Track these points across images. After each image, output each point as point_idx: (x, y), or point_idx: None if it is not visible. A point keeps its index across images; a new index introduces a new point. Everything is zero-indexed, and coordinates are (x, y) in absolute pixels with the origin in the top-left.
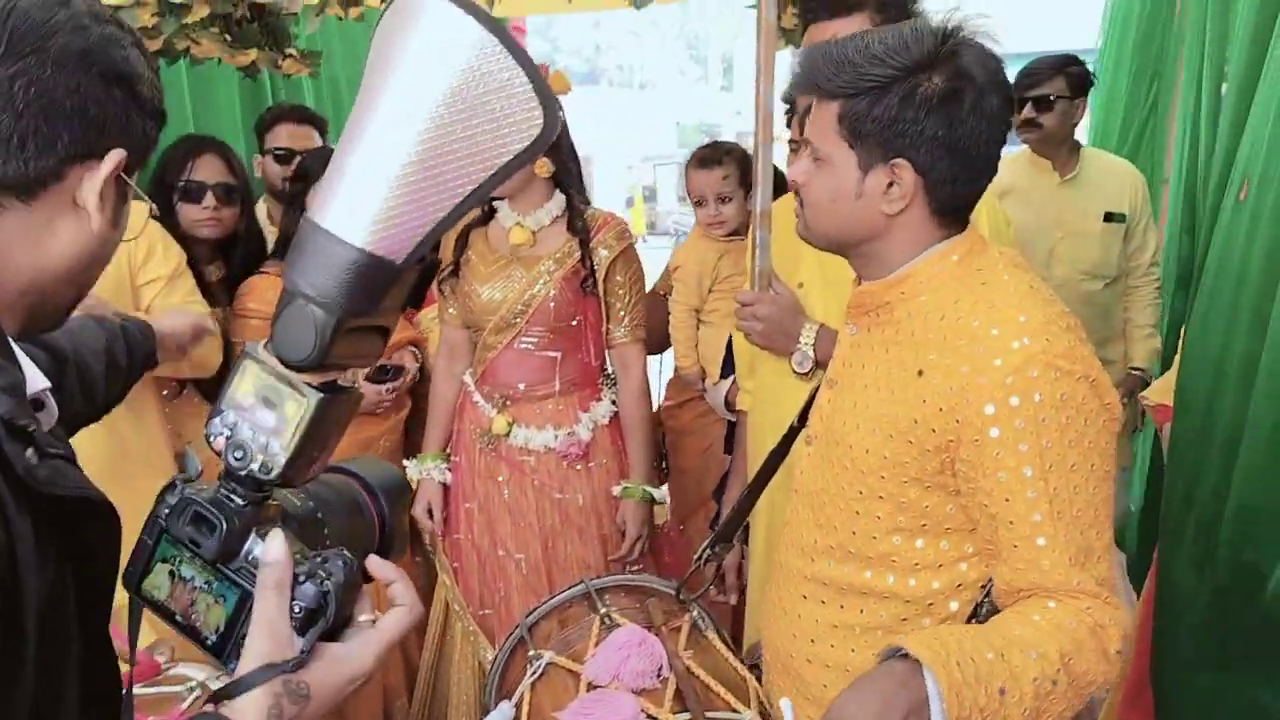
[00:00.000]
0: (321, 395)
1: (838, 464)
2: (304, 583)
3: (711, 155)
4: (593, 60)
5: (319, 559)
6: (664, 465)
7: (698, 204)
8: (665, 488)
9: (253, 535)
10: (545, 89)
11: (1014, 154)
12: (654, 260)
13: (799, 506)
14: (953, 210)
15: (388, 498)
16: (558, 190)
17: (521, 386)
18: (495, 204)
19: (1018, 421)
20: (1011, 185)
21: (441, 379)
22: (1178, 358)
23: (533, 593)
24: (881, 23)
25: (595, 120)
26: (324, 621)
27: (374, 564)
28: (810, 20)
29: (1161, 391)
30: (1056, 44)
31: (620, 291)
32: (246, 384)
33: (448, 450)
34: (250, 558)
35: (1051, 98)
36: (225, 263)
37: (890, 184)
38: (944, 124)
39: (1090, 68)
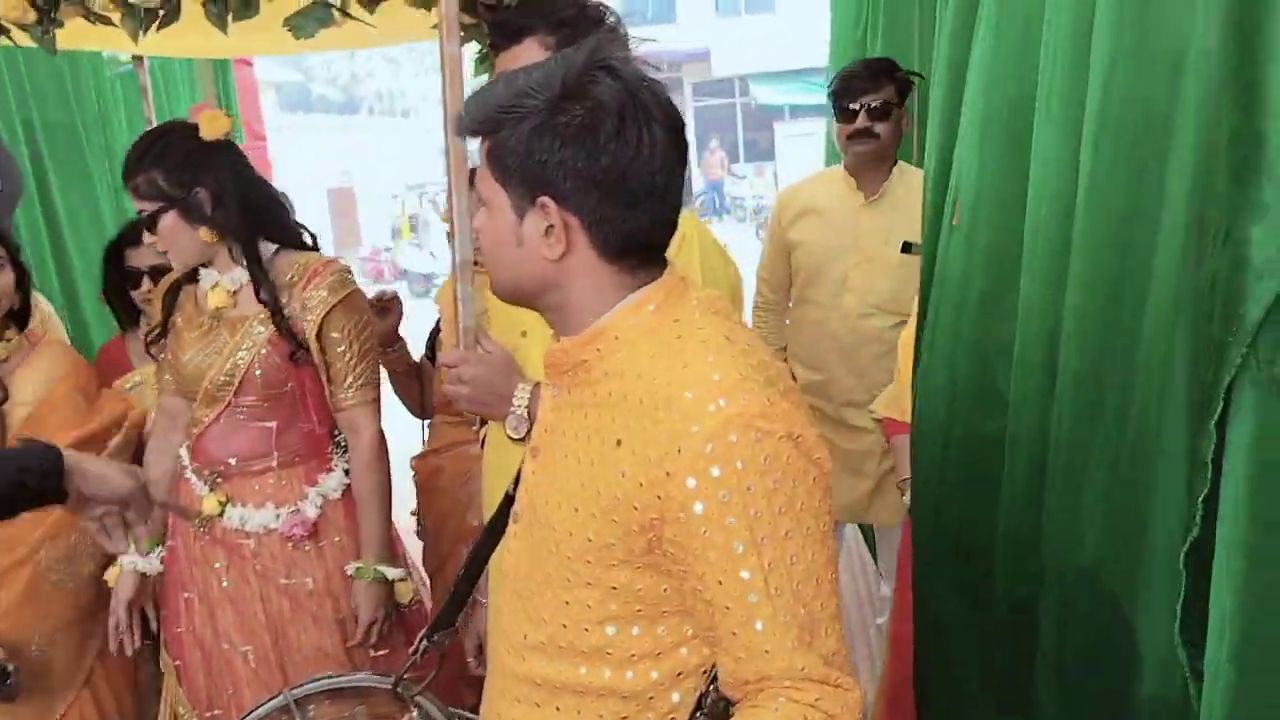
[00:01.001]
0: None
1: (543, 547)
2: None
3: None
4: (350, 89)
5: None
6: (418, 528)
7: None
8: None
9: None
10: None
11: (826, 171)
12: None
13: (507, 595)
14: (629, 251)
15: None
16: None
17: (233, 461)
18: None
19: (721, 493)
20: (814, 204)
21: (154, 453)
22: (904, 373)
23: (265, 688)
24: (556, 44)
25: (357, 150)
26: None
27: None
28: (495, 52)
29: (888, 404)
30: (789, 63)
31: (339, 349)
32: None
33: (164, 533)
34: None
35: (887, 104)
36: None
37: (549, 227)
38: (582, 155)
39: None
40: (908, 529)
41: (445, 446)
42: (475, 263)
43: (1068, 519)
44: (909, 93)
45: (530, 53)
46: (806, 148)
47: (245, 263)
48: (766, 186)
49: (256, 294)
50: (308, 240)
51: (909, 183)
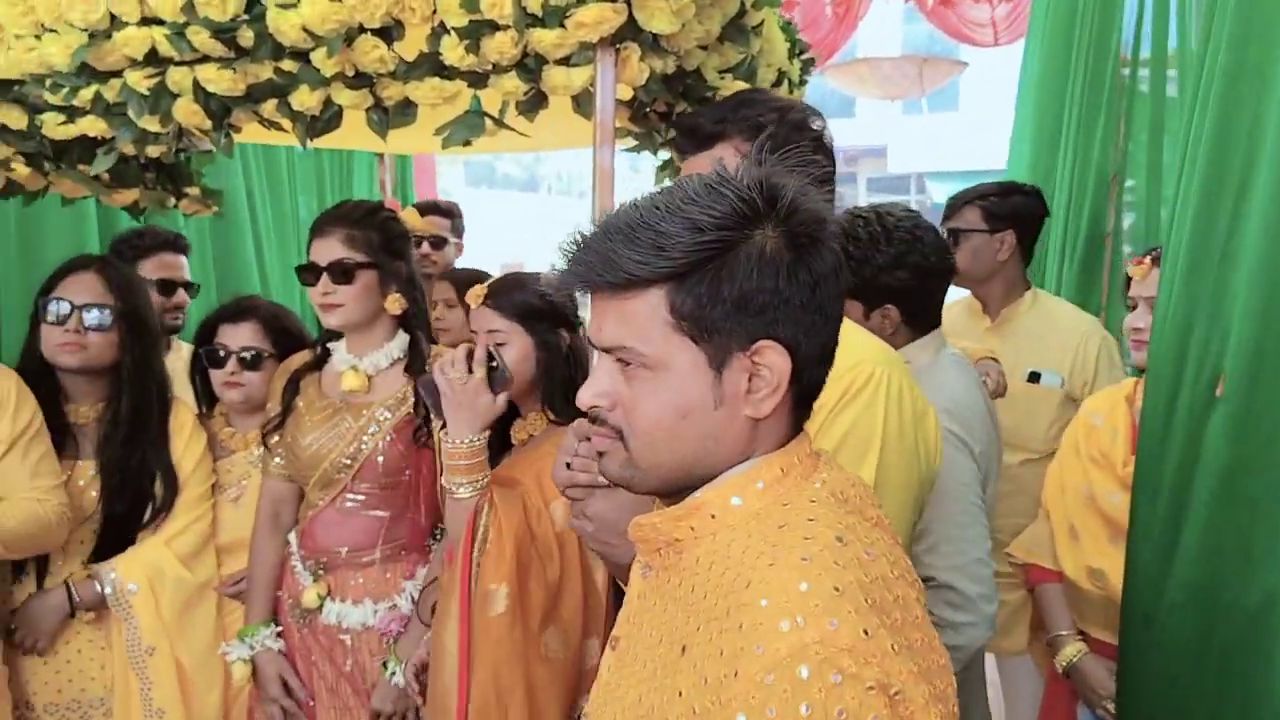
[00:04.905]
0: None
1: None
2: None
3: None
4: (533, 168)
5: None
6: None
7: None
8: None
9: None
10: None
11: (964, 294)
12: None
13: None
14: (811, 398)
15: None
16: (401, 330)
17: (343, 551)
18: (331, 345)
19: None
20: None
21: (262, 539)
22: (1055, 514)
23: None
24: (753, 153)
25: (534, 227)
26: None
27: None
28: (681, 156)
29: (1030, 548)
30: (968, 163)
31: None
32: None
33: (272, 616)
34: None
35: (961, 231)
36: (109, 405)
37: (750, 377)
38: (809, 285)
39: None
40: (1055, 686)
41: None
42: None
43: None
44: (1011, 216)
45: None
46: None
47: (411, 338)
48: None
49: (408, 367)
50: None
51: (1044, 309)
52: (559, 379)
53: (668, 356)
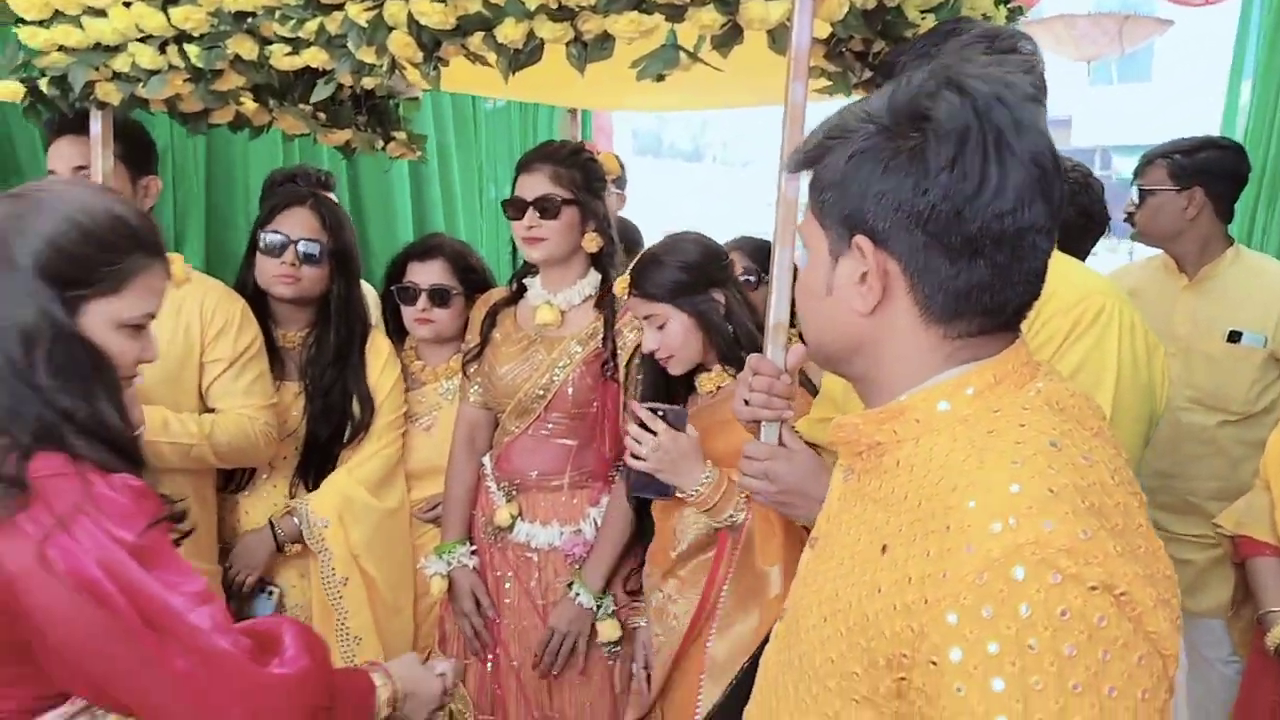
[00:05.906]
0: None
1: (791, 653)
2: None
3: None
4: (698, 138)
5: None
6: None
7: None
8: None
9: None
10: None
11: (1157, 254)
12: None
13: (759, 697)
14: (961, 313)
15: None
16: (593, 268)
17: (534, 474)
18: (526, 281)
19: (990, 644)
20: (1135, 286)
21: (459, 462)
22: (1275, 485)
23: (530, 705)
24: None
25: (697, 196)
26: None
27: None
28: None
29: (1242, 519)
30: (1158, 135)
31: (640, 377)
32: None
33: (468, 535)
34: None
35: (1145, 189)
36: (312, 331)
37: (863, 274)
38: (906, 187)
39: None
40: (1261, 662)
41: None
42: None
43: None
44: (1199, 173)
45: None
46: None
47: (603, 276)
48: (1120, 262)
49: (598, 302)
50: None
51: (1246, 267)
52: (728, 337)
53: (809, 239)
